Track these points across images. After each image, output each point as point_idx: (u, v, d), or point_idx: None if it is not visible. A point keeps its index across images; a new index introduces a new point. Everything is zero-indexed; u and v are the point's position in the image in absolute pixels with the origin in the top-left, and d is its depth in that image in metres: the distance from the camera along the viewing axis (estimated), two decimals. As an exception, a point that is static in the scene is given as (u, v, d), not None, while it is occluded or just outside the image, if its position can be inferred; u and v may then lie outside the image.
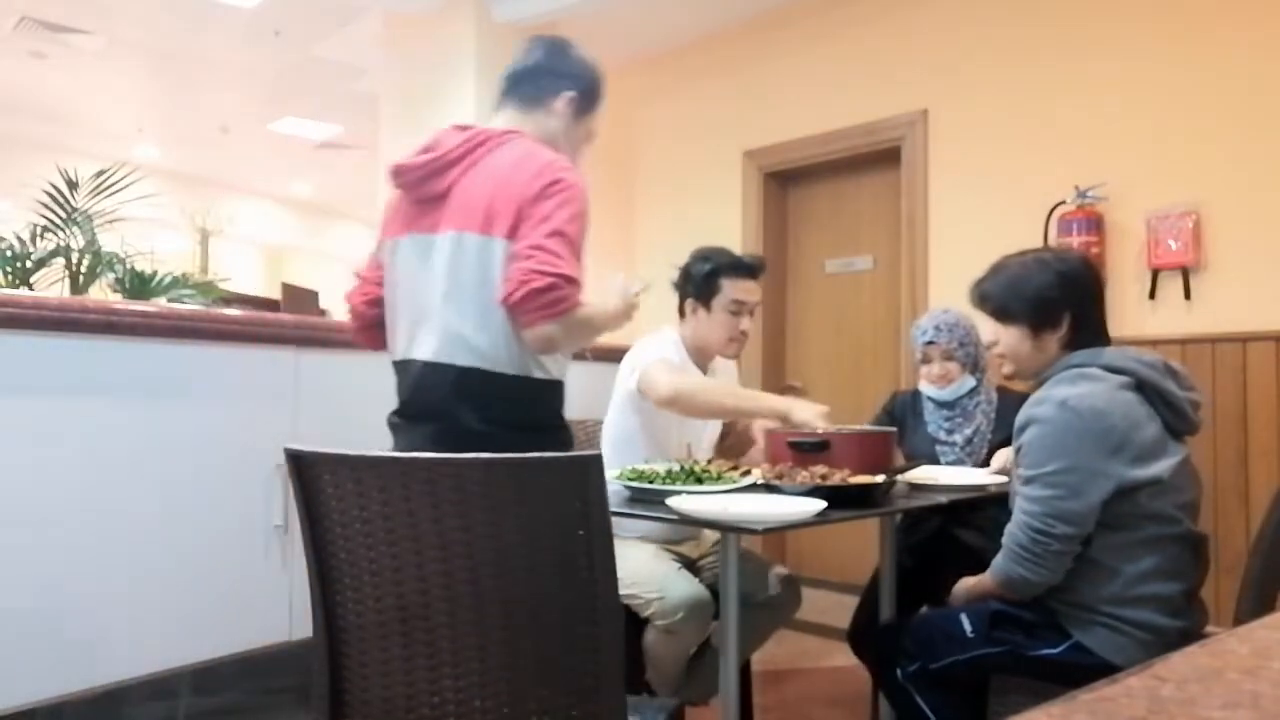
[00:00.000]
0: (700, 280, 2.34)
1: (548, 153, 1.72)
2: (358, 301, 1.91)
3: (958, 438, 2.40)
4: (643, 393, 2.21)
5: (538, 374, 1.70)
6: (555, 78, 1.83)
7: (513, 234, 1.63)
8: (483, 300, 1.65)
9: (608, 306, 1.81)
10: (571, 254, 1.62)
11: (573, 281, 1.60)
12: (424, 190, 1.74)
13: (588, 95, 1.86)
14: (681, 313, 2.41)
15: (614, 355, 2.48)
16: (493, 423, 1.65)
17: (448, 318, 1.68)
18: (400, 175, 1.77)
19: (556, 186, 1.64)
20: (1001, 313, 1.79)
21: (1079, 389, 1.63)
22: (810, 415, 2.02)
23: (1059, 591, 1.68)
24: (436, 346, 1.68)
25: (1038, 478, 1.63)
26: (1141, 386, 1.66)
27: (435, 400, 1.69)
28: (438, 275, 1.69)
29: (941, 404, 2.43)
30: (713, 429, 2.46)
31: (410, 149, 1.79)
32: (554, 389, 1.76)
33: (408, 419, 1.76)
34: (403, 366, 1.77)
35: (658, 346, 2.31)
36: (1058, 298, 1.72)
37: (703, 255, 2.38)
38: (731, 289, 2.31)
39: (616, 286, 1.86)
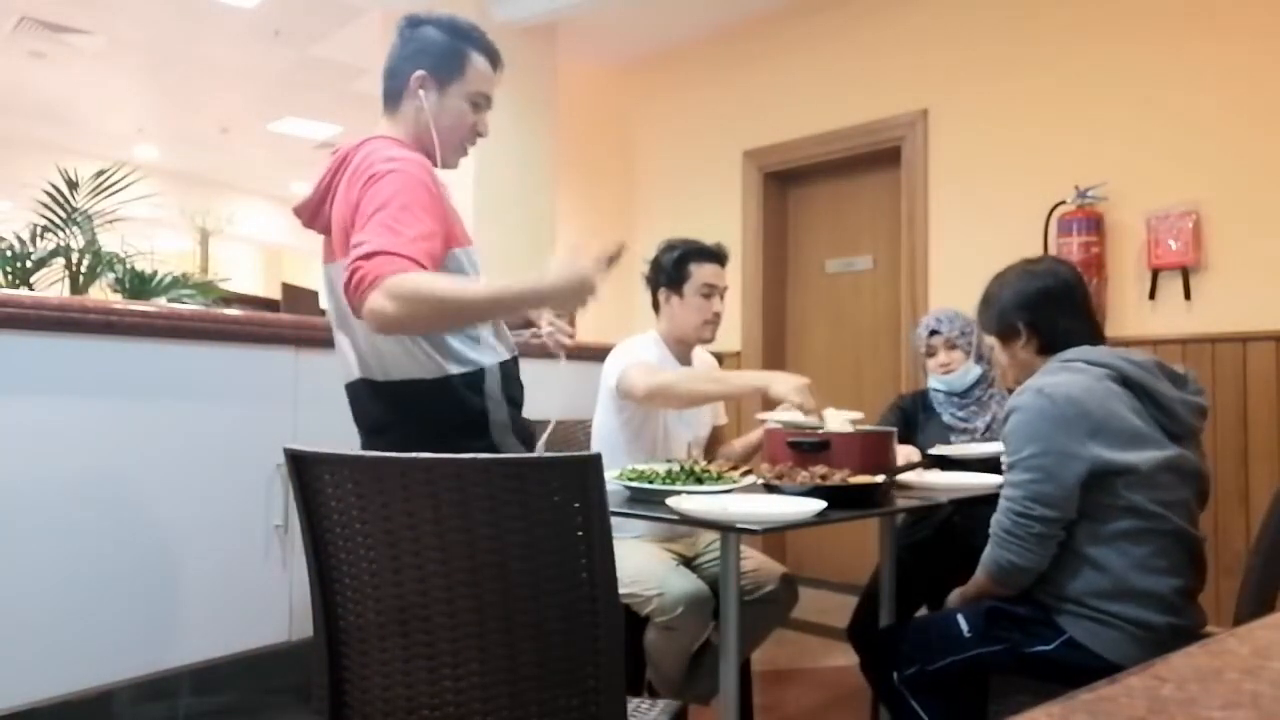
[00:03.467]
0: (670, 267, 2.42)
1: (379, 151, 1.61)
2: None
3: (978, 424, 2.45)
4: (624, 396, 2.28)
5: (454, 369, 1.66)
6: (404, 63, 1.73)
7: None
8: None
9: (537, 281, 1.54)
10: (384, 228, 1.47)
11: (375, 253, 1.43)
12: (318, 224, 1.76)
13: (443, 63, 1.72)
14: (655, 306, 2.49)
15: (599, 354, 2.49)
16: (423, 427, 1.64)
17: (360, 341, 1.70)
18: (299, 216, 1.80)
19: (371, 180, 1.54)
20: (983, 327, 1.97)
21: (1058, 378, 1.70)
22: (788, 389, 2.05)
23: (1048, 585, 1.69)
24: (359, 367, 1.72)
25: (1017, 463, 1.68)
26: (1127, 382, 1.70)
27: (376, 416, 1.72)
28: (340, 302, 1.69)
29: (952, 395, 2.47)
30: (695, 429, 2.49)
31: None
32: (472, 379, 1.68)
33: (364, 431, 1.80)
34: (348, 389, 1.81)
35: (635, 349, 2.38)
36: (1010, 310, 1.85)
37: (670, 245, 2.47)
38: (700, 273, 2.40)
39: (556, 262, 1.57)
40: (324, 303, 1.83)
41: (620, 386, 2.28)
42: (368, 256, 1.44)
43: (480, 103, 1.77)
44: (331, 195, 1.69)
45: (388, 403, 1.69)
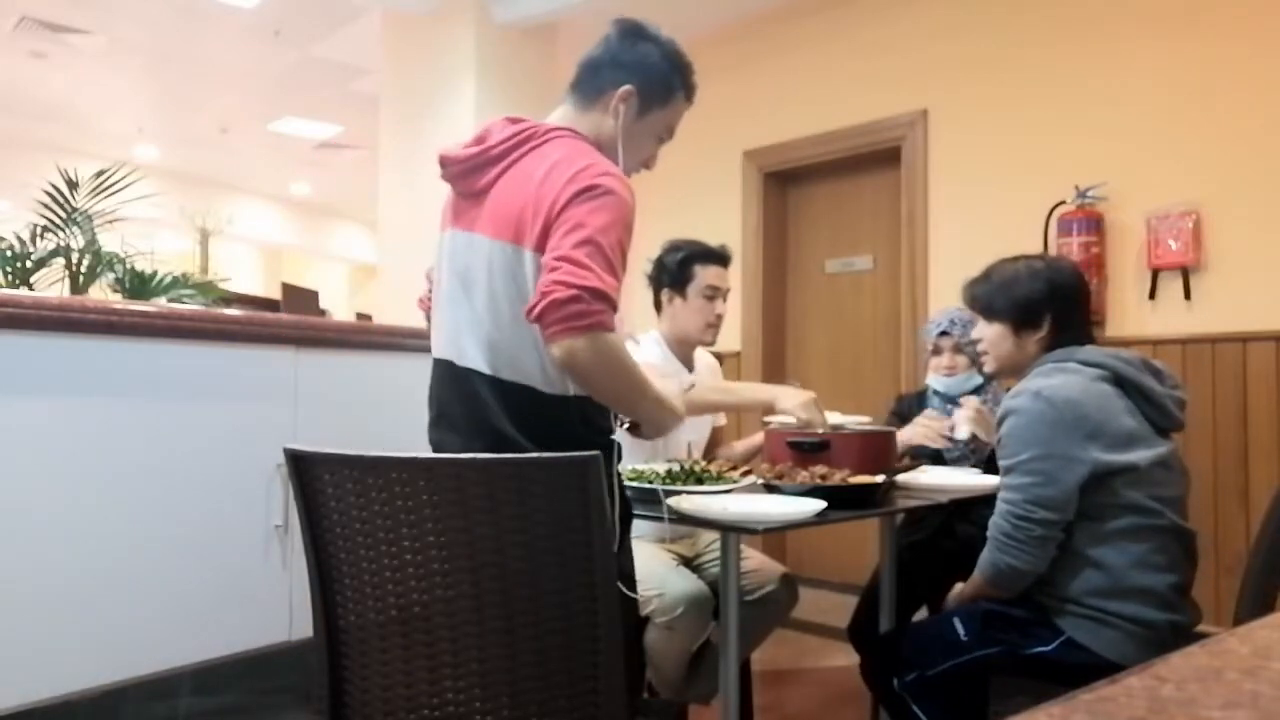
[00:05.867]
0: (674, 269, 2.42)
1: (589, 156, 1.55)
2: (424, 307, 1.84)
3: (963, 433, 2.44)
4: None
5: (575, 390, 1.54)
6: (614, 69, 1.66)
7: (542, 245, 1.48)
8: (515, 314, 1.52)
9: (665, 392, 1.61)
10: (603, 266, 1.42)
11: (601, 296, 1.39)
12: (466, 185, 1.64)
13: (651, 90, 1.68)
14: (658, 306, 2.48)
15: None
16: (536, 440, 1.51)
17: (486, 327, 1.56)
18: (446, 166, 1.66)
19: (591, 192, 1.47)
20: (988, 310, 1.88)
21: (1054, 380, 1.69)
22: (794, 405, 2.07)
23: (1046, 585, 1.70)
24: (477, 354, 1.57)
25: (1016, 466, 1.68)
26: (1119, 381, 1.71)
27: (477, 409, 1.57)
28: (474, 280, 1.58)
29: (947, 399, 2.47)
30: (697, 429, 2.49)
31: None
32: (584, 406, 1.57)
33: (451, 427, 1.63)
34: (443, 366, 1.66)
35: (642, 353, 2.37)
36: (1042, 301, 1.81)
37: (674, 245, 2.47)
38: (704, 275, 2.40)
39: (677, 386, 1.77)
40: (443, 269, 1.65)
41: None
42: (595, 294, 1.39)
43: (664, 136, 1.78)
44: (506, 168, 1.58)
45: (500, 401, 1.55)
